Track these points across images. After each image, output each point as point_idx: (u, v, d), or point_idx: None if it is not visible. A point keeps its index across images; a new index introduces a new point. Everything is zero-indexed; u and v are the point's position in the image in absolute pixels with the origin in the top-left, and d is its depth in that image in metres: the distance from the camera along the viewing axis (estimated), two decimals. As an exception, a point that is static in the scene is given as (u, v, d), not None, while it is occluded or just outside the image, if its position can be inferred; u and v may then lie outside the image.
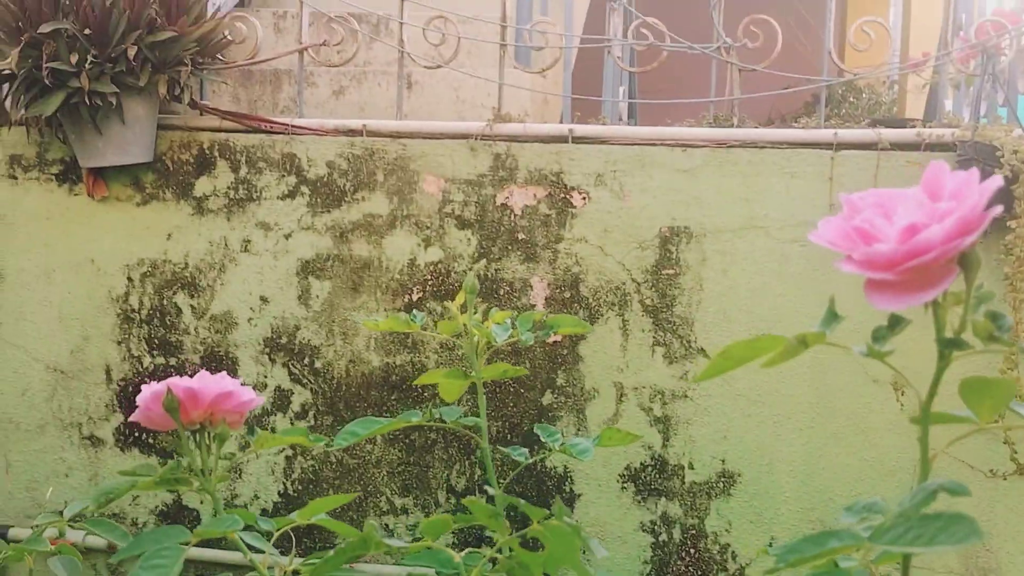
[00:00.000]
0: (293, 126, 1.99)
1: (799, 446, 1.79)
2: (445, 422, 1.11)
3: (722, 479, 1.81)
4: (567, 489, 1.89)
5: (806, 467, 1.79)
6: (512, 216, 1.91)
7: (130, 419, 1.00)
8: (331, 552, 0.94)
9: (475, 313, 1.12)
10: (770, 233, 1.81)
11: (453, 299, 1.93)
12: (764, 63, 1.91)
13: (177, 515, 1.96)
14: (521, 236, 1.90)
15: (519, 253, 1.90)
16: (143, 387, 0.97)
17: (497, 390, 1.90)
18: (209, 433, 0.99)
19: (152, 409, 0.96)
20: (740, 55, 1.95)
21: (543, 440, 1.20)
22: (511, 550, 0.98)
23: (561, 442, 1.19)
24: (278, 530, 1.04)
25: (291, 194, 1.96)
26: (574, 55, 2.33)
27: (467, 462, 1.91)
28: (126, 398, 1.98)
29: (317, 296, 1.94)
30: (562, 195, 1.89)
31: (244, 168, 1.97)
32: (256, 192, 1.97)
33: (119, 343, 1.98)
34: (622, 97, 2.57)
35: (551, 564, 0.92)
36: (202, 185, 1.98)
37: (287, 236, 1.96)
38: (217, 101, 2.26)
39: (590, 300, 1.87)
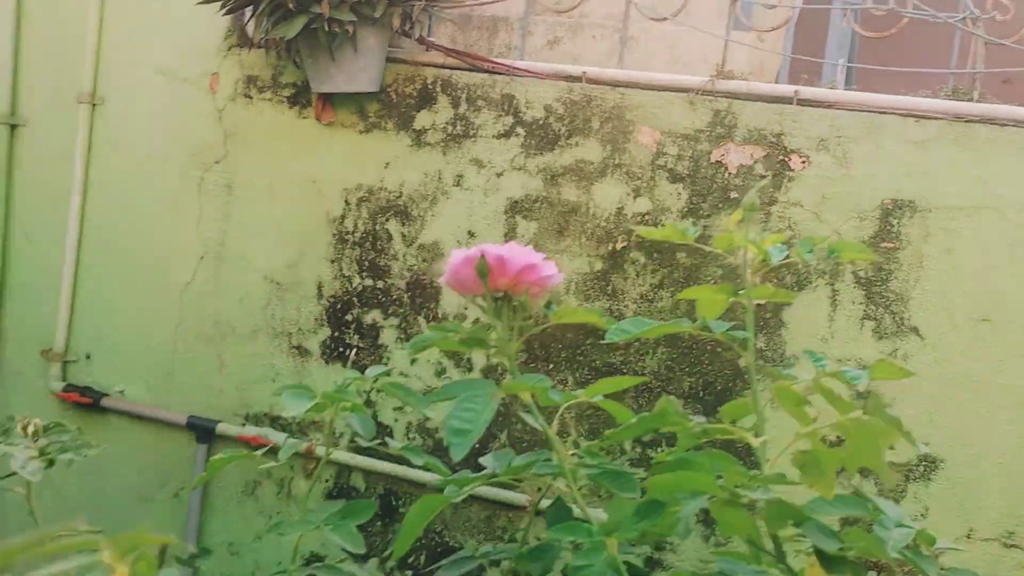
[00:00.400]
0: (514, 68, 2.02)
1: (1013, 440, 1.71)
2: (713, 332, 1.11)
3: (923, 463, 1.75)
4: (753, 457, 1.86)
5: (1018, 463, 1.71)
6: (726, 174, 1.88)
7: (439, 280, 1.04)
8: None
9: (750, 232, 1.11)
10: (1004, 215, 1.72)
11: (658, 252, 1.93)
12: (1012, 38, 1.81)
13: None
14: (733, 195, 1.88)
15: (729, 212, 1.87)
16: (453, 251, 1.01)
17: (694, 347, 1.90)
18: (511, 301, 1.02)
19: (462, 272, 0.99)
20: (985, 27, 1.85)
21: (813, 363, 1.17)
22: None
23: (831, 369, 1.17)
24: (564, 404, 1.07)
25: (506, 134, 2.00)
26: (795, 17, 2.27)
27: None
28: (334, 314, 2.07)
29: (523, 236, 1.98)
30: (781, 157, 1.86)
31: (464, 105, 2.02)
32: (473, 129, 2.01)
33: (332, 262, 2.08)
34: (843, 63, 2.49)
35: (850, 461, 0.91)
36: (422, 118, 2.04)
37: (499, 174, 2.00)
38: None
39: (800, 266, 1.84)
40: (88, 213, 2.23)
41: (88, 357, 2.25)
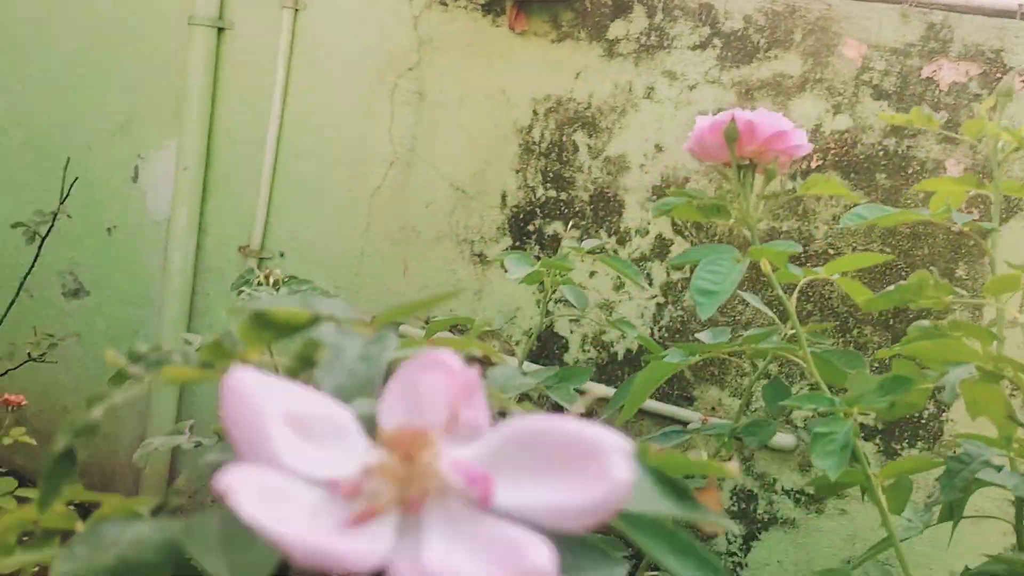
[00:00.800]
0: (713, -23, 1.96)
1: None
2: (955, 221, 1.07)
3: None
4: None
5: None
6: (936, 91, 1.79)
7: (684, 148, 1.04)
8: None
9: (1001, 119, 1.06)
10: None
11: (855, 172, 1.86)
12: None
13: (549, 338, 2.09)
14: (942, 113, 1.78)
15: (937, 132, 1.78)
16: (698, 117, 1.00)
17: (887, 271, 1.83)
18: (756, 169, 1.00)
19: (707, 138, 0.98)
20: None
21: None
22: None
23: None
24: (804, 279, 1.06)
25: (702, 45, 1.95)
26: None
27: (841, 340, 1.86)
28: (516, 224, 2.10)
29: (712, 151, 1.94)
30: (999, 75, 1.74)
31: (660, 15, 1.98)
32: (667, 40, 1.98)
33: (517, 172, 2.10)
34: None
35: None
36: (616, 28, 2.02)
37: (691, 87, 1.96)
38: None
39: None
40: (287, 116, 2.32)
41: (282, 255, 2.37)
